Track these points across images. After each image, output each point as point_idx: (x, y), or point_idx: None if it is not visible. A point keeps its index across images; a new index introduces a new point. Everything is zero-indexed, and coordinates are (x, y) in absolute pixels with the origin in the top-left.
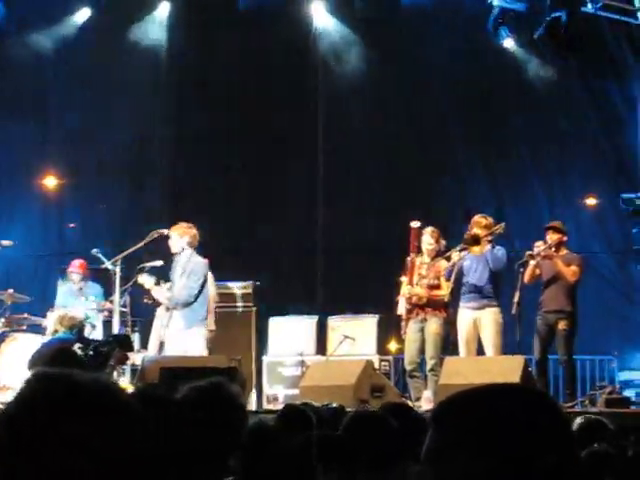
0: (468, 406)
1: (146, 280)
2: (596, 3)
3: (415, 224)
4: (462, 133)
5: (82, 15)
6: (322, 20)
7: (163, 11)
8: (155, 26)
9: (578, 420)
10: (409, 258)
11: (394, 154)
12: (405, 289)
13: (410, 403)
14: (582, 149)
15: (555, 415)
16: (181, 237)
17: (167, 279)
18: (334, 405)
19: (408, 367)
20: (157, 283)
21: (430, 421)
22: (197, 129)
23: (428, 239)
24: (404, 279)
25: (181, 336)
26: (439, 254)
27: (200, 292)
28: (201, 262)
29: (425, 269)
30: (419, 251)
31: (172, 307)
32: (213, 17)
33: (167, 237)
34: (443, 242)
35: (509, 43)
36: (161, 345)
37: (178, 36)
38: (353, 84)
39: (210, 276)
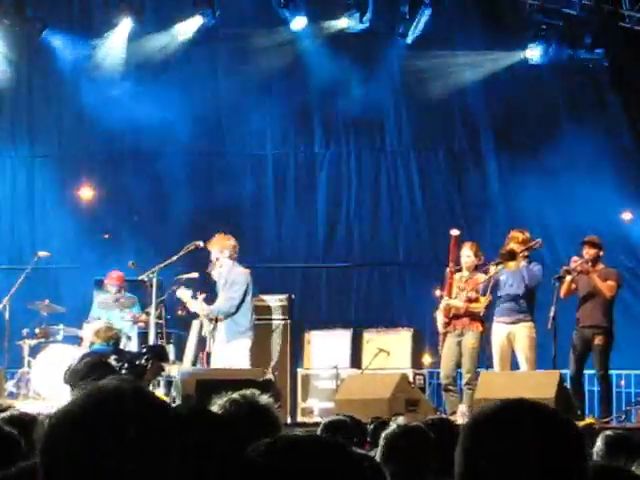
0: (506, 419)
1: (184, 294)
2: None
3: (455, 232)
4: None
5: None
6: None
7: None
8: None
9: (605, 434)
10: (448, 268)
11: (429, 168)
12: (443, 301)
13: (444, 417)
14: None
15: (572, 432)
16: (220, 249)
17: (207, 291)
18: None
19: (444, 381)
20: (194, 296)
21: (465, 433)
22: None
23: (467, 252)
24: (440, 293)
25: (224, 348)
26: (478, 268)
27: (242, 302)
28: (242, 273)
29: (464, 282)
30: (458, 261)
31: (214, 317)
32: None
33: (203, 249)
34: (482, 256)
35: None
36: (208, 356)
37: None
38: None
39: None
